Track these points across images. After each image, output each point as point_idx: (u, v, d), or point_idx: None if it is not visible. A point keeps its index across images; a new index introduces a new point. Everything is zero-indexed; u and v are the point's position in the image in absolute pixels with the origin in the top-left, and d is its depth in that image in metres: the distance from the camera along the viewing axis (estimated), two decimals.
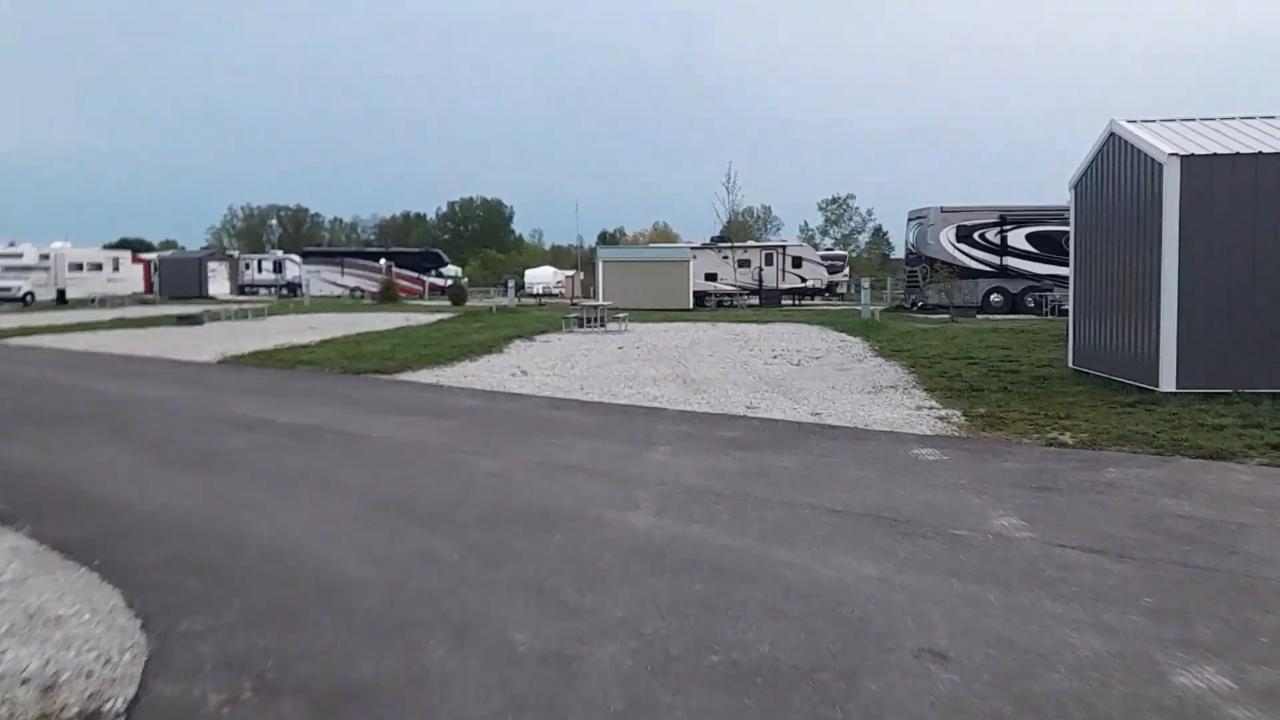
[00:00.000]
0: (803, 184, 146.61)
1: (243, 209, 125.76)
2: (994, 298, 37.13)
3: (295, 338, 24.08)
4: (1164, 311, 11.74)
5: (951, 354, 18.38)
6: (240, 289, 65.85)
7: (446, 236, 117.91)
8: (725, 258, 46.67)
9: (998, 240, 37.34)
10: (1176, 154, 11.68)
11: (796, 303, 47.37)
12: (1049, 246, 36.81)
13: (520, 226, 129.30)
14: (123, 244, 79.90)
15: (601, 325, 26.94)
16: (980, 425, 10.33)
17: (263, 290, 66.33)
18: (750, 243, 48.43)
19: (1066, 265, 37.13)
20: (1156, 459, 8.45)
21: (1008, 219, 37.27)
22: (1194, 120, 13.19)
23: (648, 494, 7.34)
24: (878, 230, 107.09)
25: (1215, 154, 11.70)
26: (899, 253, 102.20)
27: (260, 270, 69.70)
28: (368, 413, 12.16)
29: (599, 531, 6.31)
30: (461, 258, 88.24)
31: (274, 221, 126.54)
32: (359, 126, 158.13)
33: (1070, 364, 15.14)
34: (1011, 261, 37.29)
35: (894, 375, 15.22)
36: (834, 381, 14.47)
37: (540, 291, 62.92)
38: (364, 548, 6.06)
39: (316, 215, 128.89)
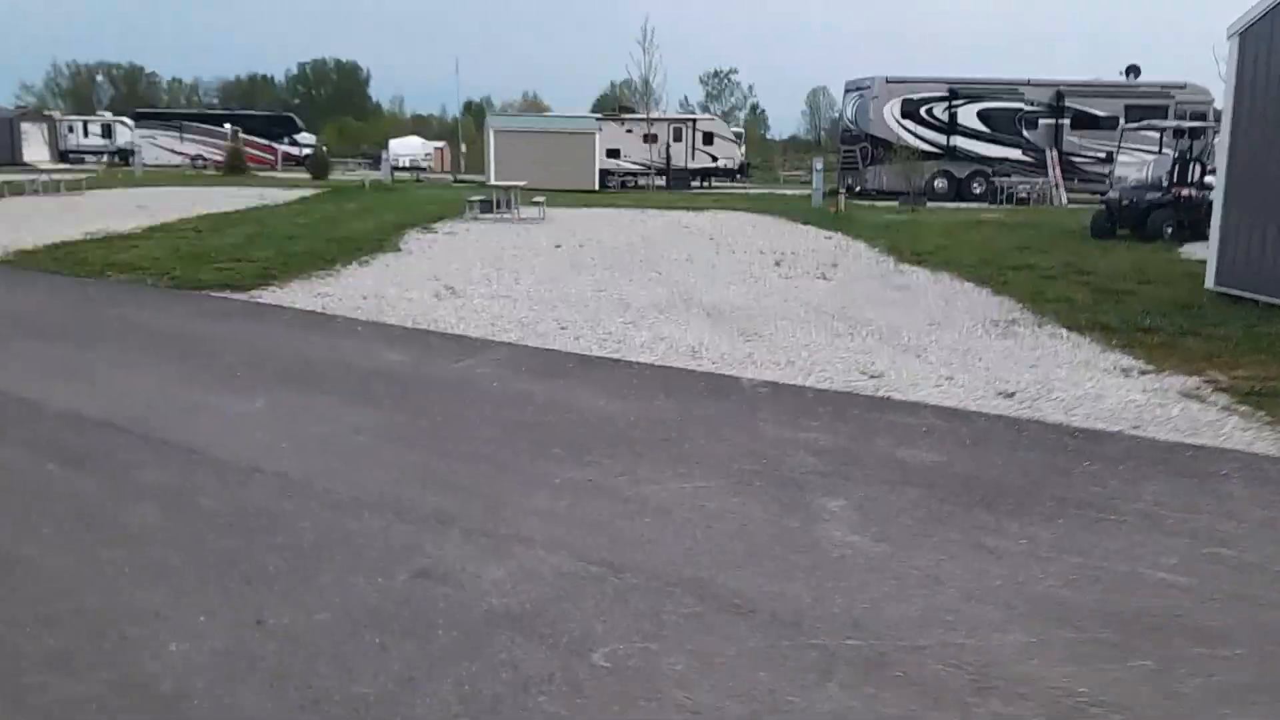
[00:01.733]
0: (683, 57, 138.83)
1: (68, 66, 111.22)
2: (938, 183, 33.11)
3: (116, 222, 17.92)
4: None
5: (989, 259, 14.17)
6: (63, 156, 56.77)
7: (297, 101, 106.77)
8: (629, 131, 41.13)
9: (946, 118, 33.14)
10: None
11: (705, 184, 42.33)
12: (1001, 126, 32.99)
13: (378, 93, 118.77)
14: None
15: (512, 210, 21.67)
16: None
17: (90, 158, 57.29)
18: (657, 115, 42.75)
19: (1019, 147, 34.14)
20: None
21: (959, 93, 33.03)
22: None
23: None
24: (754, 108, 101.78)
25: None
26: (774, 133, 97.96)
27: (86, 134, 60.42)
28: (213, 384, 7.00)
29: None
30: (315, 125, 79.36)
31: (103, 79, 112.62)
32: None
33: (1212, 284, 11.04)
34: (960, 141, 33.21)
35: (980, 299, 10.86)
36: (912, 309, 10.03)
37: (409, 165, 56.09)
38: None
39: (153, 75, 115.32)
